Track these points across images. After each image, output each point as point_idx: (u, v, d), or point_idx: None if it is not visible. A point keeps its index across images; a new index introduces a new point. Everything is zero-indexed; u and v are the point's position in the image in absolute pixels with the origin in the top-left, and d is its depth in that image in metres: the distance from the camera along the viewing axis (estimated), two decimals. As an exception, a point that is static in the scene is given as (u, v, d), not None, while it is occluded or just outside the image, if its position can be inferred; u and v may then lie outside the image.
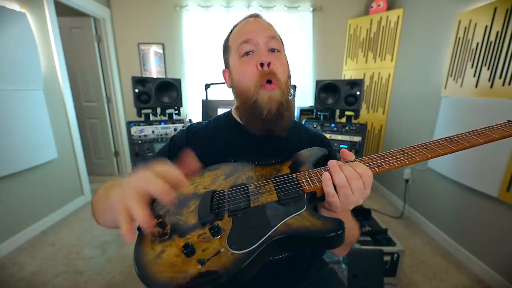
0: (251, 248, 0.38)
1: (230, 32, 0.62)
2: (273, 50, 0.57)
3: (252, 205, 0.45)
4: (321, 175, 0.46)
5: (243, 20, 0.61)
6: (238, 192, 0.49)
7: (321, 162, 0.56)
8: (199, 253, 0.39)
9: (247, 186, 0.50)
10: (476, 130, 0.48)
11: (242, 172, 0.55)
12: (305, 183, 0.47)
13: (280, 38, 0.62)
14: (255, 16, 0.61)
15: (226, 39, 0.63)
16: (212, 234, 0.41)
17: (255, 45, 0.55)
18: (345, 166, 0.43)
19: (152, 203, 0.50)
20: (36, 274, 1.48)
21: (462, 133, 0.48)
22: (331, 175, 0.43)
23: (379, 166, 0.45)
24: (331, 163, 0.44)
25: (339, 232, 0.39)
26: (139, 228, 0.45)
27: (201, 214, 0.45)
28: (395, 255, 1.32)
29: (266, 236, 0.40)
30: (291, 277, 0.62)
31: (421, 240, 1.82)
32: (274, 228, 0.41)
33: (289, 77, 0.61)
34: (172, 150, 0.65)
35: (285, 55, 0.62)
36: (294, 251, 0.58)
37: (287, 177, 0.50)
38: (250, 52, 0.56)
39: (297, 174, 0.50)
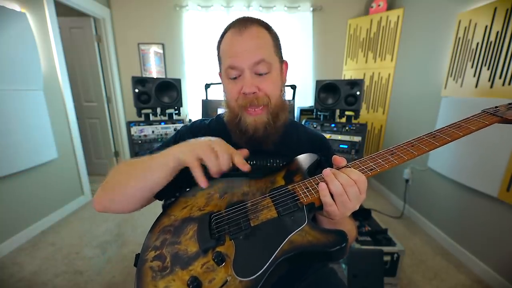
0: (259, 273, 0.37)
1: (222, 37, 0.59)
2: (260, 74, 0.55)
3: (252, 225, 0.44)
4: (316, 184, 0.46)
5: (233, 26, 0.57)
6: (236, 212, 0.47)
7: (314, 168, 0.56)
8: (205, 285, 0.36)
9: (245, 204, 0.49)
10: (455, 123, 0.50)
11: (236, 188, 0.54)
12: (302, 195, 0.46)
13: (277, 44, 0.59)
14: (245, 22, 0.55)
15: (218, 45, 0.61)
16: (216, 263, 0.39)
17: (241, 71, 0.55)
18: (339, 174, 0.43)
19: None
20: (36, 274, 1.48)
21: (443, 127, 0.50)
22: (327, 184, 0.43)
23: (371, 169, 0.46)
24: (326, 172, 0.44)
25: (343, 245, 0.38)
26: (136, 264, 0.43)
27: (201, 240, 0.42)
28: (395, 255, 1.32)
29: (272, 257, 0.38)
30: (291, 277, 0.62)
31: (421, 240, 1.81)
32: (279, 248, 0.39)
33: (282, 89, 0.61)
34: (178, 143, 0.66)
35: (279, 67, 0.60)
36: (300, 265, 0.57)
37: (283, 190, 0.49)
38: (237, 76, 0.56)
39: (293, 186, 0.49)
